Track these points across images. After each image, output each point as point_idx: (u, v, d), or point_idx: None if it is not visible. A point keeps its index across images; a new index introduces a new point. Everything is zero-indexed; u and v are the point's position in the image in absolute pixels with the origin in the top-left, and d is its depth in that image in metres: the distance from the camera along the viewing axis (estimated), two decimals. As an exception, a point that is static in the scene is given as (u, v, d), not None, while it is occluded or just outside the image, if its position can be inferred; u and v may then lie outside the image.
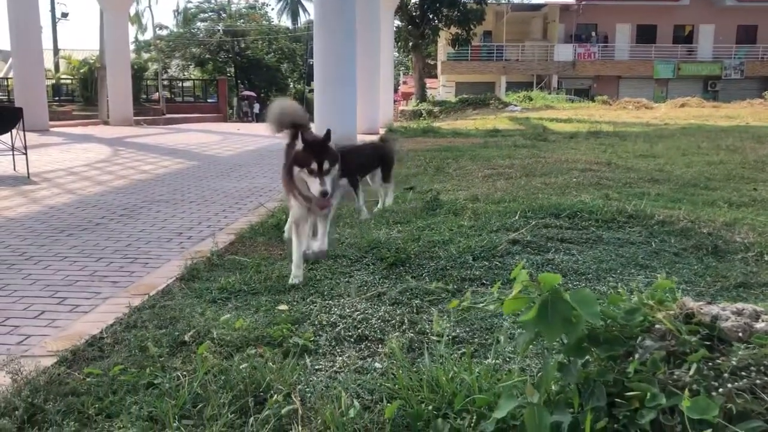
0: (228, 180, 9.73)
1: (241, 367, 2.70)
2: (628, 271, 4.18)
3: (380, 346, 3.12)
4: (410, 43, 38.34)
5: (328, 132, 3.85)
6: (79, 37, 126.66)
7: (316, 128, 15.25)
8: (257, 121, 35.59)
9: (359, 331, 3.22)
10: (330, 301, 3.65)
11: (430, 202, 6.42)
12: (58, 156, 12.89)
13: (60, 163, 11.77)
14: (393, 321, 3.37)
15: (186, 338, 3.15)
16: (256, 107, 40.97)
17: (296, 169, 3.79)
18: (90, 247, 5.47)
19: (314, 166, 3.67)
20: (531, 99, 34.47)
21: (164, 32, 51.39)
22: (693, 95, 35.35)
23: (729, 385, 1.69)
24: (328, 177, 3.73)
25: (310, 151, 3.72)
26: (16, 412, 2.45)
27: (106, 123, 23.74)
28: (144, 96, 31.72)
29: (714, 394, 1.68)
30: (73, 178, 9.92)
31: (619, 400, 1.78)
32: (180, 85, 38.73)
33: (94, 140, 16.75)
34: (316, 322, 3.34)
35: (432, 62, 50.31)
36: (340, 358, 2.95)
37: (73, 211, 7.19)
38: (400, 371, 2.58)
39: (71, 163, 11.71)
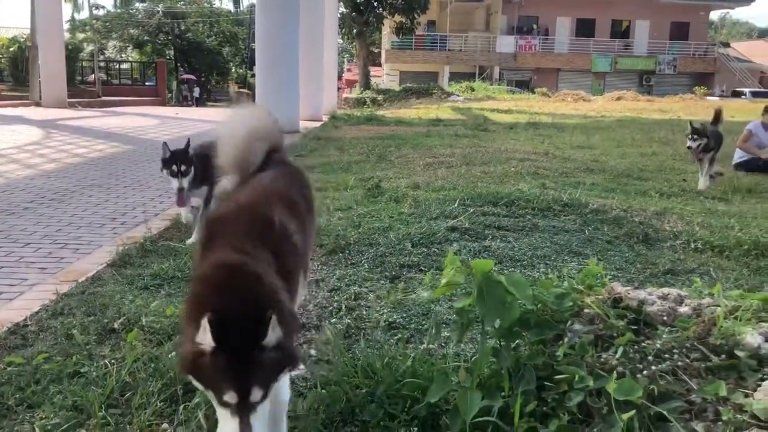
0: (165, 165, 9.46)
1: (170, 355, 2.63)
2: (562, 258, 4.27)
3: (316, 332, 3.10)
4: (354, 31, 38.15)
5: (263, 314, 1.62)
6: (7, 14, 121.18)
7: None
8: (197, 105, 34.87)
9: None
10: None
11: (372, 189, 6.42)
12: (-16, 138, 12.30)
13: (-14, 144, 11.23)
14: (330, 307, 3.35)
15: (115, 326, 3.06)
16: (197, 91, 40.13)
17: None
18: (17, 232, 5.24)
19: (230, 397, 1.64)
20: (473, 89, 34.84)
21: (101, 12, 49.65)
22: (629, 89, 36.42)
23: (653, 368, 1.74)
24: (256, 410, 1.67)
25: (226, 370, 1.63)
26: (-71, 404, 2.33)
27: (38, 104, 22.78)
28: (79, 77, 30.56)
29: (639, 376, 1.73)
30: (0, 161, 9.49)
31: (548, 383, 1.81)
32: (117, 67, 37.56)
33: (25, 122, 16.05)
34: (252, 309, 3.29)
35: (376, 50, 50.21)
36: (276, 344, 2.91)
37: (-2, 194, 6.88)
38: (336, 357, 2.56)
39: (-2, 145, 11.20)
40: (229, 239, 1.89)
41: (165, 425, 2.30)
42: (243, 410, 1.64)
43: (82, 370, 2.62)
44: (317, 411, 2.28)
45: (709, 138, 7.71)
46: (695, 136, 7.70)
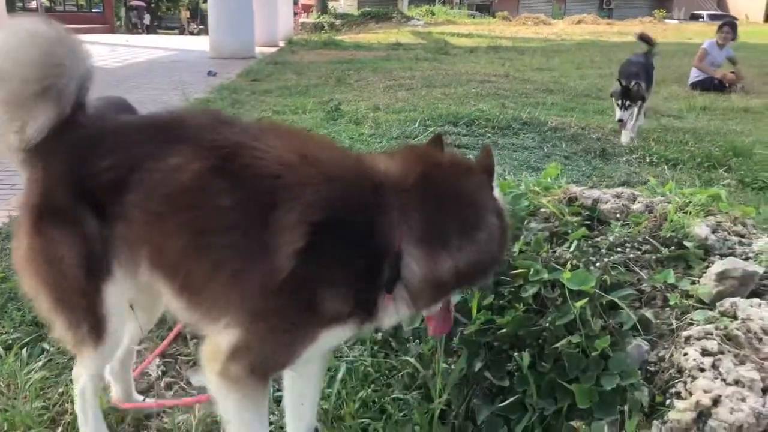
0: (117, 91, 9.10)
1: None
2: (521, 173, 4.31)
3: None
4: (310, -48, 36.77)
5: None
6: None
7: (213, 43, 14.61)
8: (148, 33, 33.60)
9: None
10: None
11: (331, 111, 6.34)
12: None
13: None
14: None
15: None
16: (147, 18, 38.51)
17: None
18: (-37, 160, 5.07)
19: None
20: (434, 14, 34.16)
21: (39, -67, 46.75)
22: (589, 12, 36.13)
23: (605, 260, 1.79)
24: None
25: None
26: None
27: (-24, 32, 21.67)
28: (20, 3, 29.03)
29: (592, 268, 1.78)
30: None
31: (504, 278, 1.85)
32: (60, -8, 35.71)
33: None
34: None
35: (333, -26, 48.59)
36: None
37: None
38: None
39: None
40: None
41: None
42: None
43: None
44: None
45: (639, 94, 5.81)
46: (627, 102, 5.72)
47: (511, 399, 1.68)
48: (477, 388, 1.78)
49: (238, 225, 1.36)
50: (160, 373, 2.14)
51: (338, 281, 1.34)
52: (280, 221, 1.32)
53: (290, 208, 1.33)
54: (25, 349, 2.15)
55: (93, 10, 33.68)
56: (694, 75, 9.67)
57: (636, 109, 5.85)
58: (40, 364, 2.08)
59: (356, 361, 2.03)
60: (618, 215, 2.01)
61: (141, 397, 1.98)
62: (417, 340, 1.98)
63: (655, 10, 38.06)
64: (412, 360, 1.89)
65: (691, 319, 1.63)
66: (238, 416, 1.46)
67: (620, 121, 5.68)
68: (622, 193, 2.12)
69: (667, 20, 34.31)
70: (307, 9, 37.60)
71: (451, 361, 1.85)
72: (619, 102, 5.73)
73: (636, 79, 5.88)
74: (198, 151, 1.40)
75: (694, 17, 38.71)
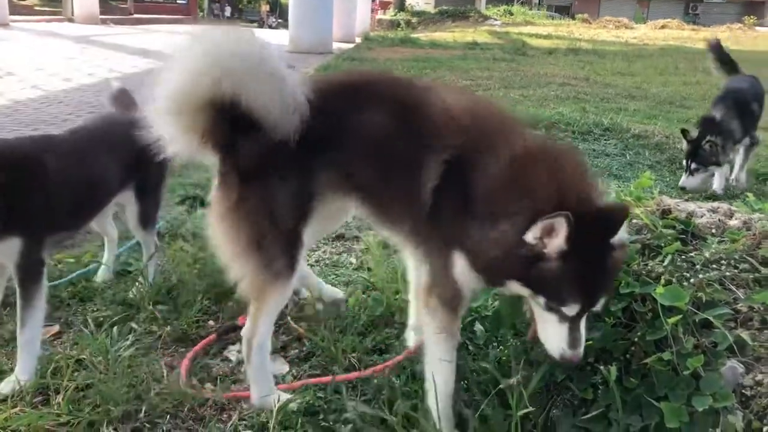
0: (200, 82, 9.43)
1: (215, 258, 2.69)
2: (603, 181, 4.22)
3: (355, 243, 3.15)
4: (390, -51, 36.88)
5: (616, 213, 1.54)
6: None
7: (292, 37, 14.85)
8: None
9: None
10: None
11: (407, 109, 6.36)
12: (20, 51, 12.33)
13: (23, 58, 11.27)
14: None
15: (159, 230, 3.12)
16: (228, 10, 39.46)
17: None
18: (57, 142, 5.31)
19: (571, 309, 1.52)
20: (512, 14, 33.74)
21: (131, -74, 48.50)
22: (674, 17, 34.93)
23: (700, 276, 1.73)
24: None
25: (576, 279, 1.50)
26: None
27: (70, 20, 22.66)
28: (111, -8, 30.26)
29: (685, 284, 1.72)
30: (38, 74, 9.54)
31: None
32: (148, -17, 36.98)
33: (59, 36, 16.04)
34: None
35: (412, -29, 48.58)
36: (316, 252, 2.98)
37: (38, 106, 6.94)
38: (377, 265, 2.60)
39: (34, 59, 11.23)
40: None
41: (211, 322, 2.39)
42: (578, 320, 1.52)
43: (129, 269, 2.71)
44: (359, 313, 2.33)
45: (711, 157, 4.34)
46: (693, 165, 4.34)
47: (594, 412, 1.64)
48: (558, 399, 1.75)
49: (407, 164, 1.71)
50: (242, 358, 2.19)
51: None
52: (426, 160, 1.67)
53: (431, 149, 1.67)
54: (115, 327, 2.22)
55: (178, 1, 34.77)
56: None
57: (723, 168, 4.42)
58: (128, 343, 2.14)
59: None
60: (714, 231, 1.94)
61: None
62: (496, 344, 1.96)
63: (745, 17, 36.41)
64: (490, 367, 1.86)
65: (793, 344, 1.55)
66: (435, 346, 1.74)
67: (682, 188, 4.34)
68: (718, 207, 2.04)
69: (757, 27, 32.76)
70: (384, 6, 37.72)
71: (531, 370, 1.82)
72: (684, 162, 4.45)
73: (726, 122, 4.41)
74: (388, 107, 1.76)
75: (788, 25, 36.83)
